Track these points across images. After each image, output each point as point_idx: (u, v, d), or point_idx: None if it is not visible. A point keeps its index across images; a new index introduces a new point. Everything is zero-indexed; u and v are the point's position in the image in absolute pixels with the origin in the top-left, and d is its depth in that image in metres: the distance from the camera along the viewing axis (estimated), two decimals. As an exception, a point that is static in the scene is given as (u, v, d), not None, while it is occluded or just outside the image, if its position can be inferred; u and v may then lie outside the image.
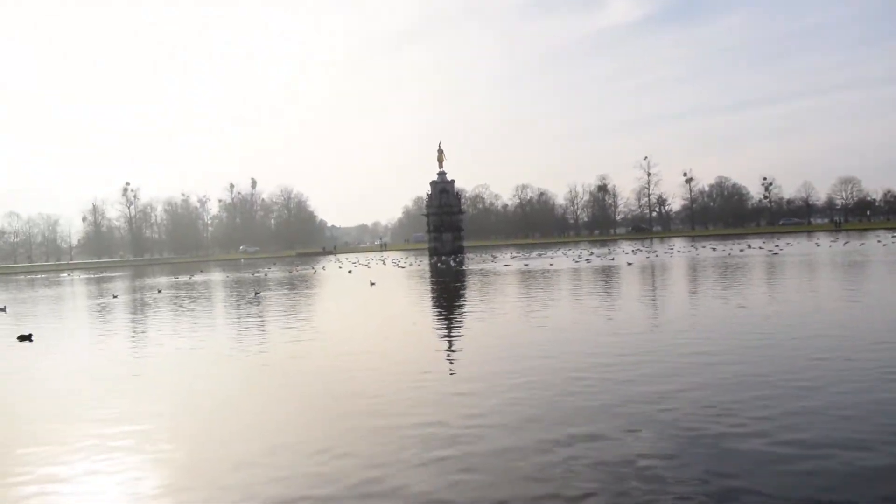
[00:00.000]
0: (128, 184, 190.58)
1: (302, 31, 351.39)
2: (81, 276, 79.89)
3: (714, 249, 58.19)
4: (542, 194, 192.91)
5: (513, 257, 64.21)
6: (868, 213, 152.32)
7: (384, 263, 68.49)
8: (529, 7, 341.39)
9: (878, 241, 56.75)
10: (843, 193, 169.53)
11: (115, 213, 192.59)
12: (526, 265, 47.00)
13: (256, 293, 33.30)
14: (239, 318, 22.52)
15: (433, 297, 27.64)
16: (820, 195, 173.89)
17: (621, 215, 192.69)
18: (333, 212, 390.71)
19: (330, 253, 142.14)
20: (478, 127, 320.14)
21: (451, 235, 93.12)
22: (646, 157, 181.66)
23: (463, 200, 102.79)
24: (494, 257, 67.30)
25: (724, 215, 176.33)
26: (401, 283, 36.92)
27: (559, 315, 18.60)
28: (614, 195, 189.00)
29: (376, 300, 27.73)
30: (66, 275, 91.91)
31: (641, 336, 14.36)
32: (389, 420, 8.69)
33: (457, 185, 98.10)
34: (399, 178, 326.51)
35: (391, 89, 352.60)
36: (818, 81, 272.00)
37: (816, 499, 5.79)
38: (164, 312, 25.90)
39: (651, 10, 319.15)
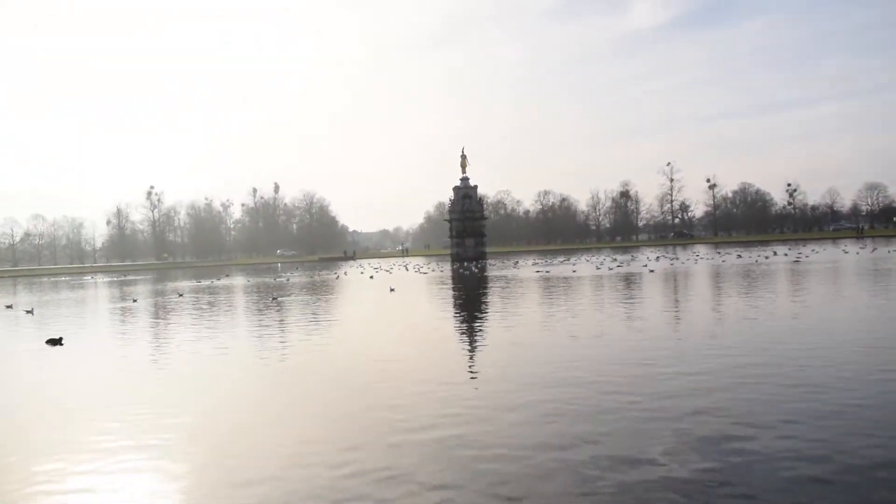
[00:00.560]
0: (152, 187, 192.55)
1: (325, 36, 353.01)
2: (104, 279, 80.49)
3: (740, 256, 57.34)
4: (563, 200, 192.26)
5: (534, 264, 63.82)
6: (895, 219, 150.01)
7: (406, 269, 68.41)
8: (553, 11, 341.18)
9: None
10: (869, 199, 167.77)
11: (139, 216, 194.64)
12: (548, 272, 46.64)
13: (274, 298, 33.26)
14: (259, 324, 22.38)
15: (455, 305, 27.39)
16: (845, 201, 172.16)
17: (643, 221, 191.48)
18: (355, 217, 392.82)
19: (350, 258, 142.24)
20: (500, 132, 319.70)
21: (473, 241, 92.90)
22: (668, 163, 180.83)
23: (485, 206, 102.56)
24: (516, 263, 66.94)
25: (747, 222, 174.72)
26: (422, 290, 36.74)
27: (586, 324, 18.29)
28: (636, 201, 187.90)
29: (397, 307, 27.54)
30: (89, 277, 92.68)
31: (671, 346, 14.03)
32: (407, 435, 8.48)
33: (479, 190, 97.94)
34: (421, 183, 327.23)
35: (414, 94, 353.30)
36: (844, 85, 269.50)
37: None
38: (184, 317, 25.88)
39: (675, 14, 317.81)
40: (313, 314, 24.55)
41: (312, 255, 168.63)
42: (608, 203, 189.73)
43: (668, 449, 7.42)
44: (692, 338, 15.13)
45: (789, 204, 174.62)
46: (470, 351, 14.86)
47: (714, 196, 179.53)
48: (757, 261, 48.54)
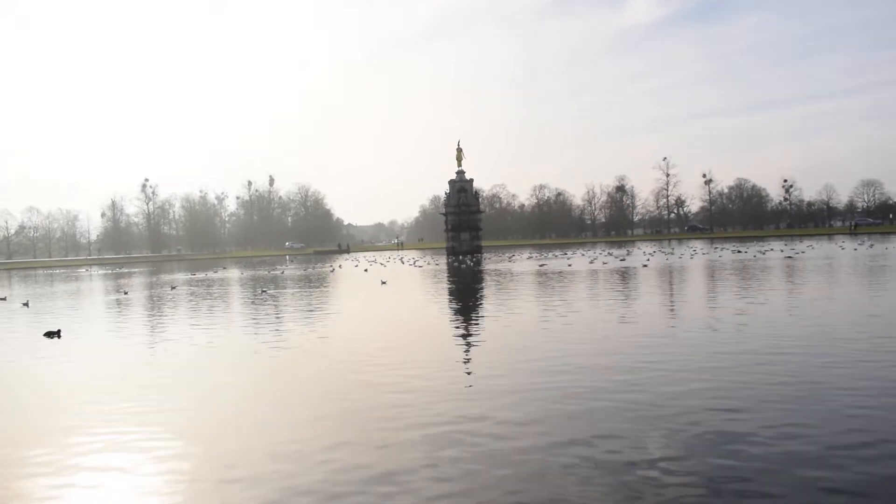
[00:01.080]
0: (146, 180, 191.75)
1: (320, 30, 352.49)
2: (100, 272, 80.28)
3: (738, 251, 57.31)
4: (559, 194, 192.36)
5: (529, 258, 63.80)
6: (891, 216, 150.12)
7: (402, 262, 68.33)
8: (549, 6, 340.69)
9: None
10: (866, 196, 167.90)
11: (133, 209, 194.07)
12: (543, 266, 46.58)
13: (264, 291, 33.21)
14: (249, 317, 22.29)
15: (448, 298, 27.35)
16: (841, 198, 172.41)
17: (639, 216, 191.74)
18: (350, 210, 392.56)
19: (345, 251, 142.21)
20: (496, 127, 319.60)
21: (468, 235, 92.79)
22: (665, 158, 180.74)
23: (480, 200, 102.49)
24: (511, 257, 66.85)
25: (743, 217, 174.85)
26: (416, 283, 36.69)
27: (579, 319, 18.25)
28: (632, 196, 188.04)
29: (389, 300, 27.49)
30: (84, 270, 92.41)
31: (664, 343, 14.00)
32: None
33: (475, 184, 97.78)
34: (416, 177, 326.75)
35: (410, 88, 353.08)
36: (840, 82, 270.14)
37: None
38: (177, 309, 25.79)
39: (672, 10, 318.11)
40: (303, 308, 24.47)
41: (308, 249, 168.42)
42: (604, 198, 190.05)
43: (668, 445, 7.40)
44: (690, 332, 15.10)
45: (785, 200, 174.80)
46: (462, 346, 14.81)
47: (710, 191, 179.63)
48: (756, 256, 48.49)
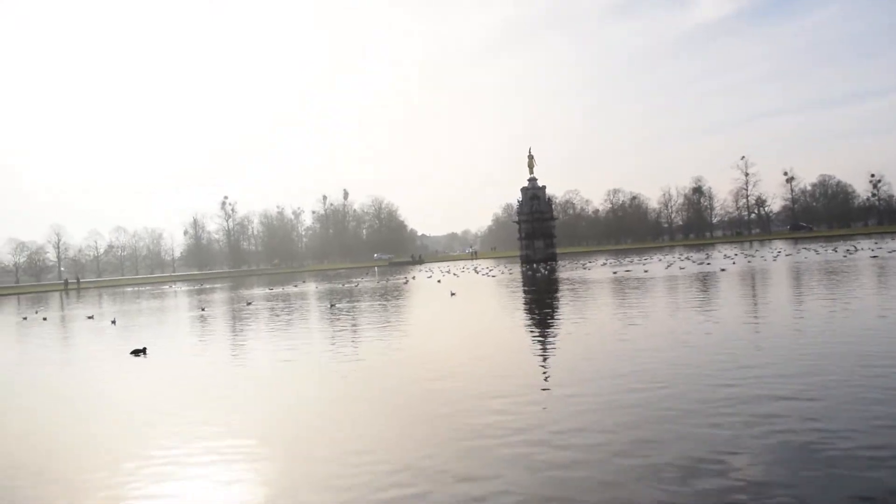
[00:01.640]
0: (226, 197, 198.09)
1: (390, 42, 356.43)
2: (183, 288, 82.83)
3: (817, 252, 55.03)
4: (634, 198, 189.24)
5: (603, 264, 62.59)
6: None
7: (475, 272, 68.19)
8: (613, 9, 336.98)
9: None
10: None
11: (214, 226, 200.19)
12: (616, 272, 45.62)
13: (332, 305, 33.43)
14: (322, 331, 22.44)
15: (524, 308, 27.04)
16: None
17: (717, 218, 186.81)
18: (423, 221, 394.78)
19: (418, 262, 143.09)
20: (567, 132, 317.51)
21: (542, 242, 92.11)
22: (743, 157, 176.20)
23: (553, 206, 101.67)
24: (585, 265, 65.82)
25: (828, 215, 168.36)
26: (489, 293, 36.44)
27: (662, 330, 17.69)
28: (710, 197, 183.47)
29: (463, 312, 27.30)
30: (168, 286, 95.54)
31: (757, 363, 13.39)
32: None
33: (547, 190, 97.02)
34: (488, 185, 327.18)
35: (479, 97, 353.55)
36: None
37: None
38: (254, 325, 26.20)
39: (741, 5, 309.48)
40: (376, 322, 24.51)
41: (395, 258, 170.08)
42: (680, 200, 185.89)
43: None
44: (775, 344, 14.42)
45: (873, 195, 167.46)
46: (537, 359, 14.51)
47: (792, 189, 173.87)
48: (846, 255, 46.39)
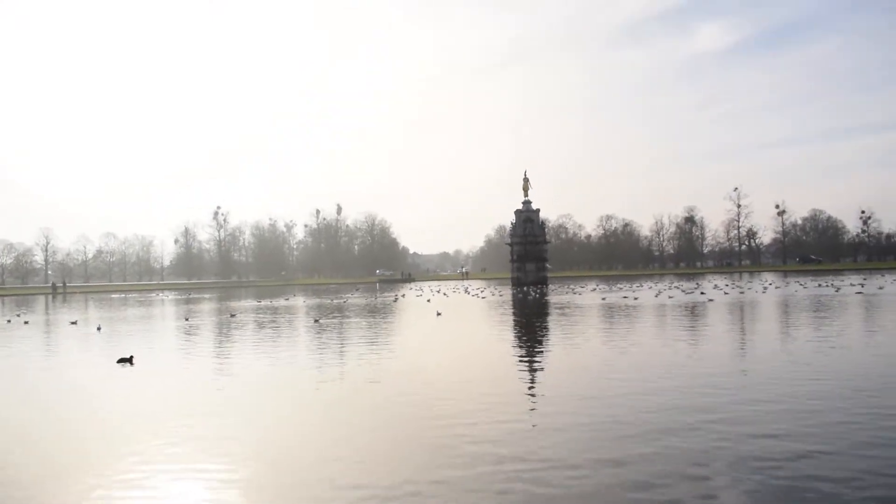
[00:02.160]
0: (219, 207, 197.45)
1: (389, 59, 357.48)
2: (171, 297, 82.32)
3: (804, 286, 55.10)
4: (626, 225, 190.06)
5: (593, 290, 62.56)
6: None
7: (467, 292, 68.04)
8: (618, 35, 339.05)
9: None
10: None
11: (205, 235, 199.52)
12: (605, 298, 45.56)
13: (316, 321, 33.21)
14: (305, 347, 22.21)
15: (513, 332, 26.89)
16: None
17: (709, 248, 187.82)
18: (416, 239, 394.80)
19: (407, 280, 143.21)
20: (563, 156, 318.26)
21: (534, 265, 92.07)
22: (735, 189, 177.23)
23: (546, 230, 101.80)
24: (574, 289, 65.68)
25: (818, 250, 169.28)
26: (477, 315, 36.28)
27: (648, 358, 17.55)
28: (702, 227, 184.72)
29: (452, 333, 27.12)
30: (156, 294, 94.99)
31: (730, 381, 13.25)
32: None
33: (541, 214, 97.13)
34: (482, 206, 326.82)
35: (476, 117, 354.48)
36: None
37: None
38: (238, 337, 25.95)
39: (742, 37, 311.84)
40: (360, 340, 24.28)
41: (373, 277, 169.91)
42: (672, 228, 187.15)
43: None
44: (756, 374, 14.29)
45: (863, 231, 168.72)
46: (523, 384, 14.34)
47: (783, 223, 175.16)
48: (839, 290, 46.34)
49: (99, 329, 31.48)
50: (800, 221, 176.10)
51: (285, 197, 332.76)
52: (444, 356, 19.75)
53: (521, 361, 17.81)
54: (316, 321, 32.92)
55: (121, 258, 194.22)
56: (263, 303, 56.66)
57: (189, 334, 28.43)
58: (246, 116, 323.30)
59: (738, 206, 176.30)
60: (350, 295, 69.88)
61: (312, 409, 12.30)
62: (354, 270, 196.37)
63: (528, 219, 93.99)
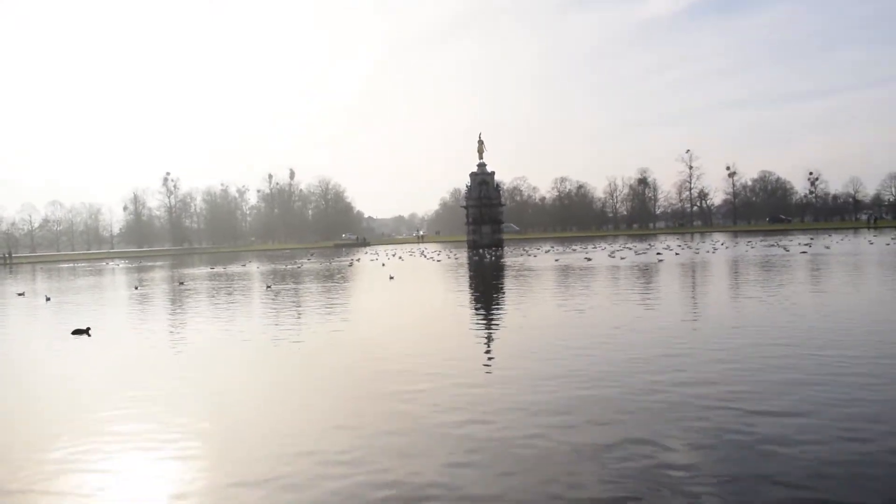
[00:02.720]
0: (168, 173, 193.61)
1: (342, 24, 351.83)
2: (122, 265, 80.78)
3: (752, 246, 56.43)
4: (580, 187, 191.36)
5: (547, 251, 63.23)
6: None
7: (424, 255, 68.05)
8: (570, 2, 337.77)
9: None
10: (893, 189, 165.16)
11: (155, 202, 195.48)
12: (559, 259, 45.98)
13: (268, 287, 33.06)
14: (258, 313, 22.04)
15: (466, 295, 27.01)
16: (868, 191, 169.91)
17: (661, 209, 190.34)
18: (371, 203, 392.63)
19: (362, 244, 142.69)
20: (517, 120, 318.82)
21: (490, 228, 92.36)
22: (688, 150, 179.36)
23: (501, 193, 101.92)
24: (528, 251, 66.15)
25: (767, 210, 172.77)
26: (432, 278, 36.34)
27: (602, 316, 17.81)
28: (654, 189, 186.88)
29: (401, 296, 27.13)
30: (106, 263, 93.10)
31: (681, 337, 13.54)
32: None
33: (496, 177, 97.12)
34: (437, 170, 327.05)
35: (431, 82, 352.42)
36: (866, 74, 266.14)
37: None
38: (191, 304, 25.62)
39: (692, 2, 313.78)
40: (315, 304, 24.18)
41: (328, 242, 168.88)
42: (625, 190, 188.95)
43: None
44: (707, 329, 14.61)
45: (811, 193, 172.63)
46: (479, 342, 14.45)
47: (734, 184, 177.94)
48: (789, 250, 47.35)
49: (48, 299, 30.76)
50: (750, 183, 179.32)
51: (237, 168, 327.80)
52: (397, 321, 19.77)
53: (475, 324, 17.92)
54: (268, 287, 32.72)
55: (68, 227, 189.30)
56: (217, 269, 55.98)
57: (141, 303, 27.98)
58: (194, 85, 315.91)
59: (690, 167, 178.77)
60: (305, 260, 69.37)
61: (267, 377, 12.23)
62: (309, 236, 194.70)
63: (483, 181, 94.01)
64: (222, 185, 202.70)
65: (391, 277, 35.81)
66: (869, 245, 50.71)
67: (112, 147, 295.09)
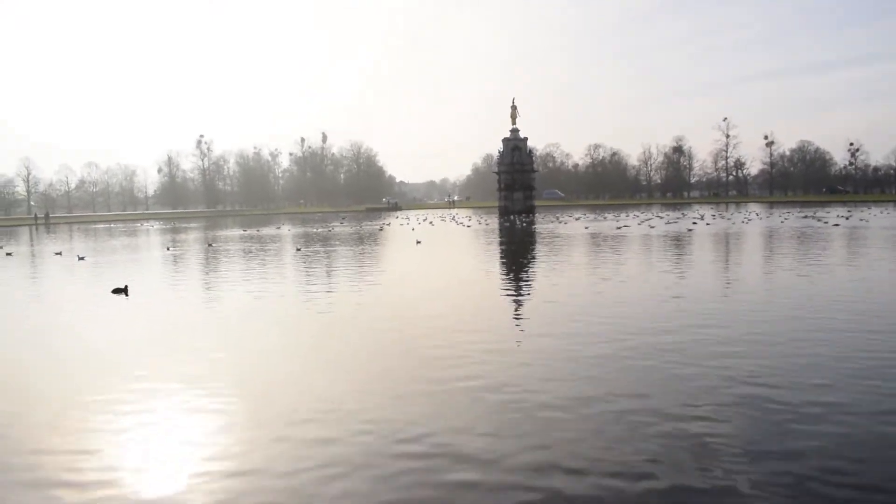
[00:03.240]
0: (202, 136, 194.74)
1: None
2: (156, 227, 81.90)
3: (786, 219, 55.52)
4: (614, 154, 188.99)
5: (577, 219, 62.72)
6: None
7: (454, 220, 68.02)
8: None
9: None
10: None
11: (189, 164, 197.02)
12: (588, 228, 45.69)
13: (298, 249, 33.72)
14: (289, 276, 22.30)
15: (495, 263, 27.01)
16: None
17: (696, 178, 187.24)
18: (402, 167, 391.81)
19: (393, 209, 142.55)
20: (552, 85, 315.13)
21: (522, 194, 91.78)
22: (725, 119, 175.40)
23: (534, 159, 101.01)
24: (560, 218, 65.70)
25: (805, 181, 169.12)
26: (461, 244, 36.35)
27: (633, 284, 17.77)
28: (690, 157, 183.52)
29: (431, 262, 27.26)
30: (140, 224, 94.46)
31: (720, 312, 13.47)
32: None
33: (529, 143, 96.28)
34: (470, 135, 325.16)
35: (465, 47, 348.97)
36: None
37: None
38: (225, 265, 25.96)
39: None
40: (343, 268, 24.38)
41: (360, 206, 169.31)
42: (660, 158, 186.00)
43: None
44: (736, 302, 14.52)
45: (850, 164, 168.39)
46: (510, 308, 14.51)
47: (771, 154, 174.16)
48: (827, 222, 46.38)
49: (81, 259, 31.33)
50: (788, 153, 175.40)
51: (269, 131, 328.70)
52: (425, 286, 19.88)
53: (505, 292, 17.97)
54: (298, 249, 33.24)
55: (104, 188, 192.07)
56: (249, 231, 56.54)
57: (175, 264, 28.43)
58: (229, 48, 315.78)
59: (727, 136, 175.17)
60: (337, 224, 69.73)
61: (298, 337, 12.43)
62: (342, 200, 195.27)
63: (515, 147, 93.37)
64: (255, 147, 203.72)
65: (418, 242, 36.12)
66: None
67: (146, 109, 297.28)
